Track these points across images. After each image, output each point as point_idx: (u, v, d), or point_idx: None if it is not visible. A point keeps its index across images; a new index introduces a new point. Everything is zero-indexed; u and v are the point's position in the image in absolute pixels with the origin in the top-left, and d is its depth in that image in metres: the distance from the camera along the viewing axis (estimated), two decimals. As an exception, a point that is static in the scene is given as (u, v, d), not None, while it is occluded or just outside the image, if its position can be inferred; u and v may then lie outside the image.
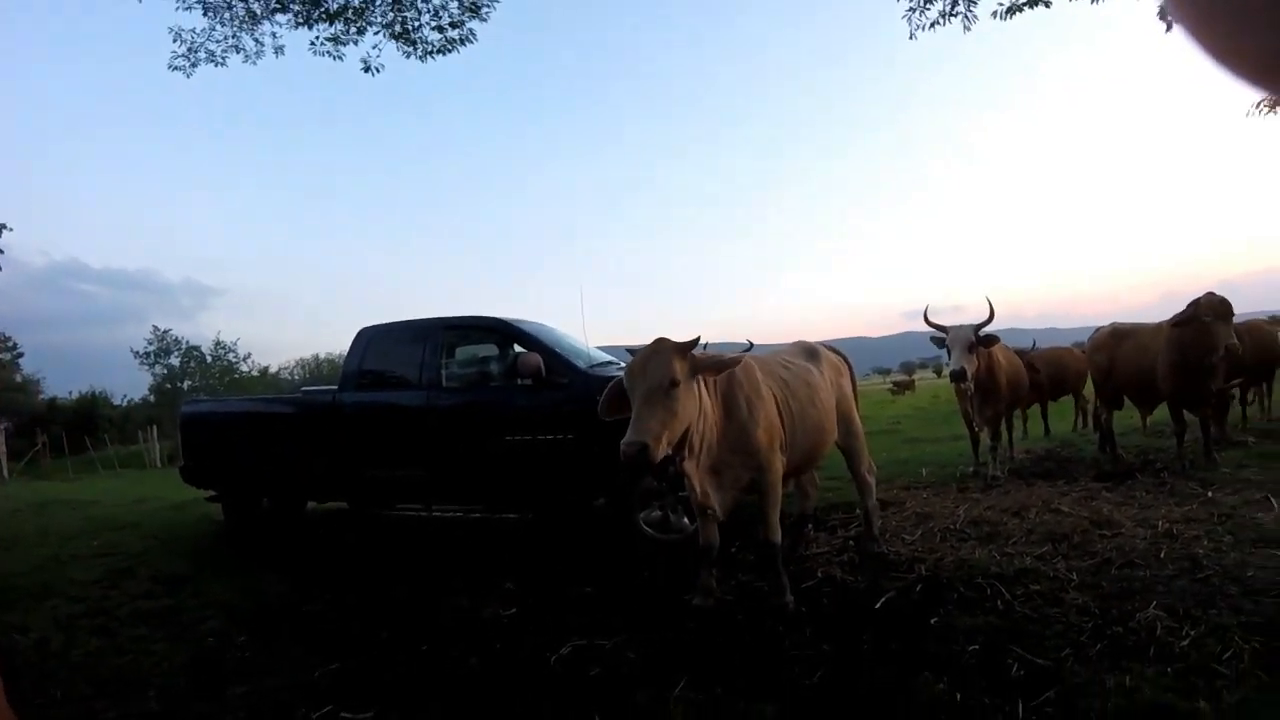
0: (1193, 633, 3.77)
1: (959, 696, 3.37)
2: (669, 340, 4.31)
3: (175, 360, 46.63)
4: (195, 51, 9.36)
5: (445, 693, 3.93)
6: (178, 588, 6.36)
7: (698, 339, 4.43)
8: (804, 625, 4.41)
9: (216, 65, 9.56)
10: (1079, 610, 4.23)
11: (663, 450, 4.07)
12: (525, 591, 5.55)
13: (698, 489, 4.53)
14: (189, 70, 9.46)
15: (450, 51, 9.68)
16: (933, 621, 4.29)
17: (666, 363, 4.15)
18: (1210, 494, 6.58)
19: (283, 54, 9.77)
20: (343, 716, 3.73)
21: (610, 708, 3.61)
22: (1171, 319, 7.87)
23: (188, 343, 47.31)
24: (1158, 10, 9.00)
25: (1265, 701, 3.15)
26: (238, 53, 9.55)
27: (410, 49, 9.62)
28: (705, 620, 4.65)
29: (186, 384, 45.65)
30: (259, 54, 9.67)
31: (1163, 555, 5.03)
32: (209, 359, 47.31)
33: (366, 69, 9.62)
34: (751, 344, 6.08)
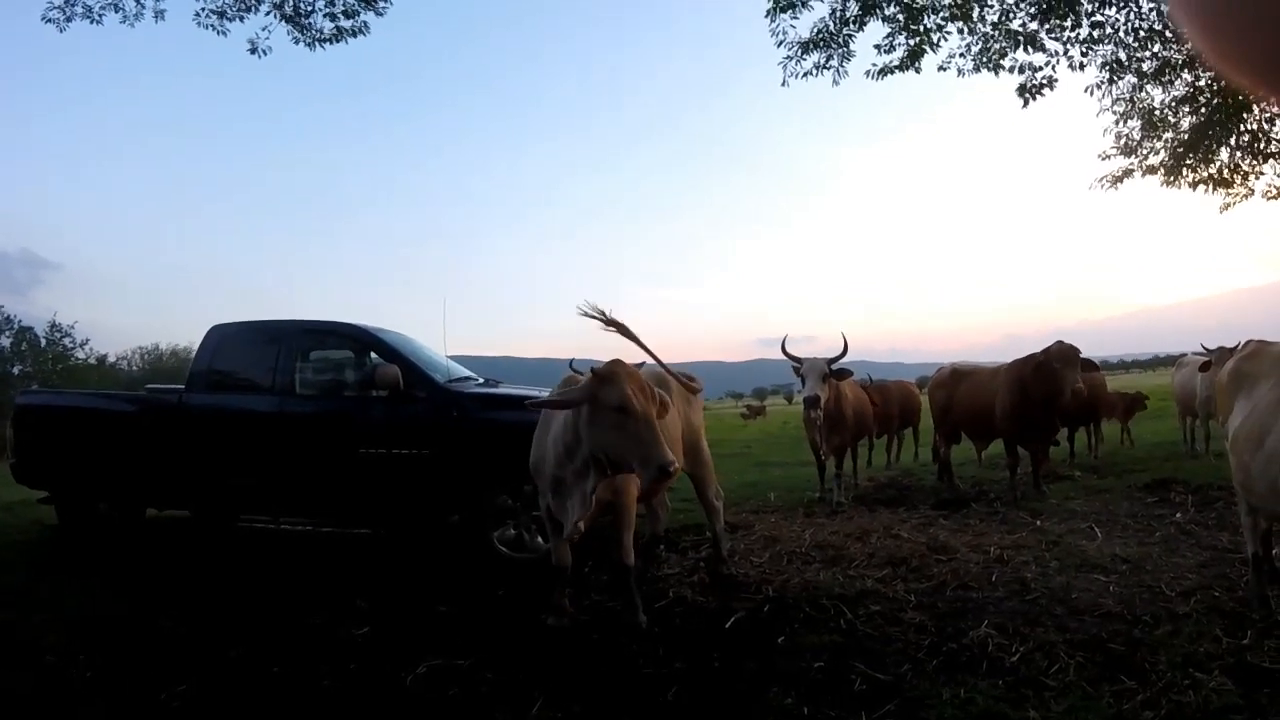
0: (1021, 649, 4.00)
1: (806, 710, 3.49)
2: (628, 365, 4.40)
3: (6, 341, 43.04)
4: (72, 4, 8.84)
5: (298, 715, 3.84)
6: (10, 601, 5.91)
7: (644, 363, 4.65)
8: (657, 644, 4.47)
9: (93, 22, 9.04)
10: (917, 629, 4.42)
11: None
12: (379, 610, 5.43)
13: (568, 509, 4.57)
14: (63, 24, 8.96)
15: (340, 41, 9.41)
16: (780, 640, 4.40)
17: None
18: (1039, 523, 6.95)
19: (163, 19, 9.27)
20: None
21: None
22: (1019, 361, 8.33)
23: (20, 322, 43.78)
24: (1016, 88, 9.54)
25: (1088, 711, 3.35)
26: (116, 12, 9.05)
27: (300, 35, 9.32)
28: (560, 640, 4.66)
29: (17, 369, 42.17)
30: (138, 15, 9.15)
31: (994, 578, 5.29)
32: (43, 342, 43.65)
33: (253, 50, 9.25)
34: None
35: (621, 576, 4.97)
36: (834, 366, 7.96)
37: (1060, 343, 8.01)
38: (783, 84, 9.93)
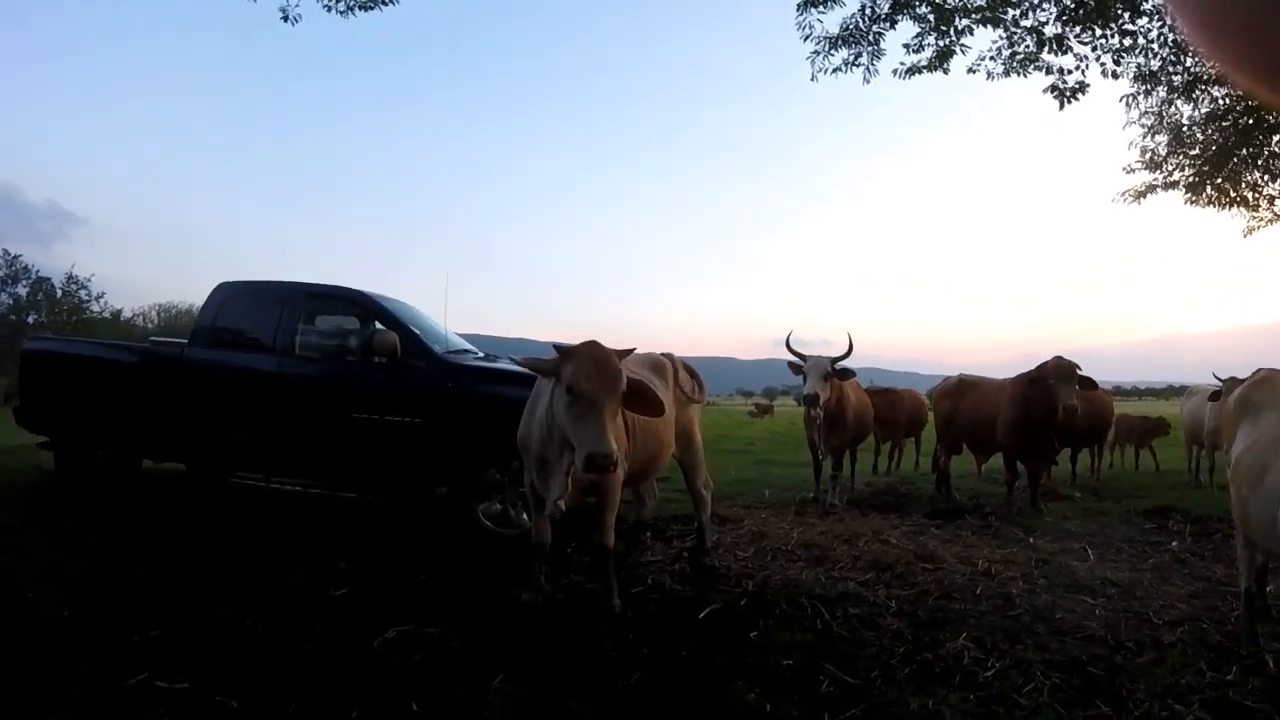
0: (998, 664, 3.91)
1: (769, 707, 3.42)
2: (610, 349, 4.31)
3: (23, 290, 43.42)
4: None
5: (264, 669, 3.78)
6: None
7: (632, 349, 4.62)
8: (628, 629, 4.41)
9: None
10: (893, 635, 4.34)
11: None
12: (359, 573, 5.40)
13: (550, 487, 4.51)
14: None
15: (372, 9, 9.30)
16: (753, 635, 4.34)
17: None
18: (1032, 540, 6.86)
19: None
20: (158, 685, 3.56)
21: (429, 696, 3.53)
22: (1020, 376, 8.24)
23: (38, 272, 44.15)
24: (1048, 87, 9.41)
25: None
26: None
27: (332, 2, 9.20)
28: (531, 616, 4.60)
29: (32, 318, 42.52)
30: None
31: (979, 591, 5.21)
32: (59, 293, 44.06)
33: (285, 18, 9.12)
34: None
35: (600, 558, 4.92)
36: (837, 366, 7.91)
37: (1058, 358, 7.94)
38: (811, 79, 9.84)
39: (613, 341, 4.36)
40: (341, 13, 9.26)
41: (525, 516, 6.46)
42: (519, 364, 4.41)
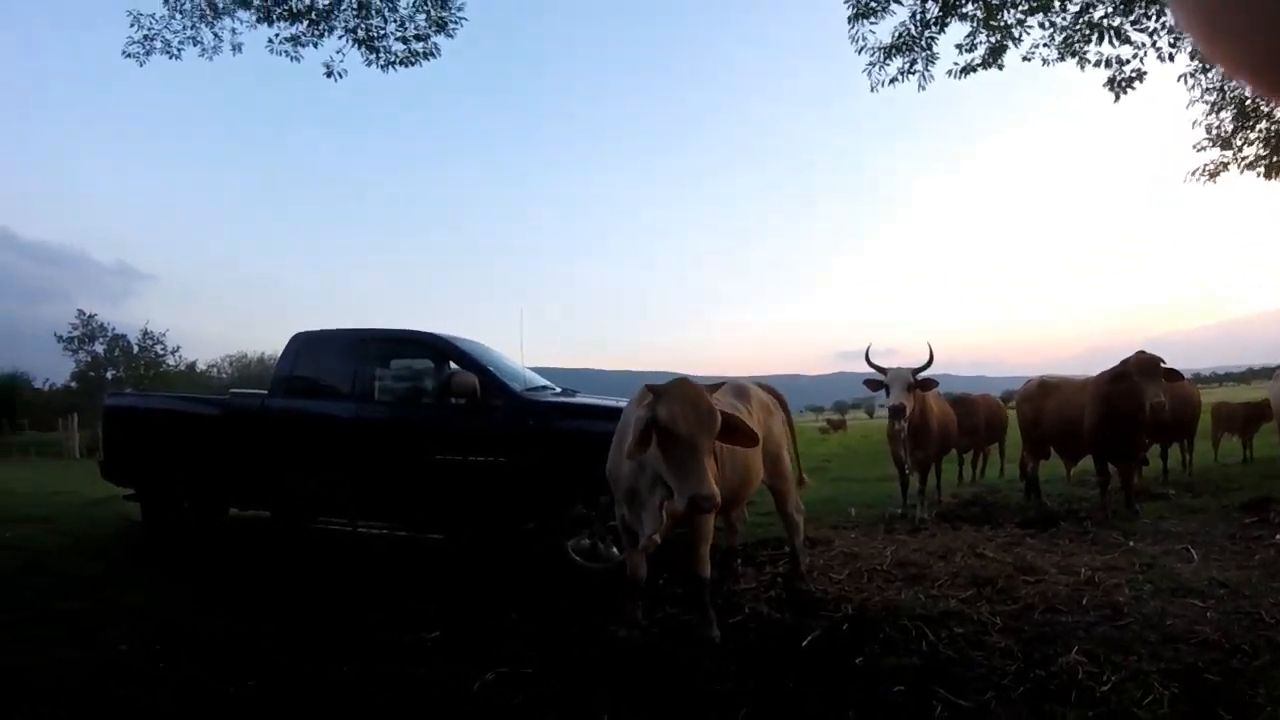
0: (1113, 678, 3.79)
1: (882, 737, 3.36)
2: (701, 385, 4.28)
3: (100, 347, 44.96)
4: (151, 39, 9.17)
5: (362, 715, 3.83)
6: (89, 590, 6.09)
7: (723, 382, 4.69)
8: (729, 661, 4.36)
9: (171, 57, 9.37)
10: (1002, 653, 4.24)
11: None
12: (448, 615, 5.42)
13: (643, 521, 4.48)
14: (143, 58, 9.26)
15: (413, 64, 9.60)
16: (858, 661, 4.26)
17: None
18: (1131, 543, 6.68)
19: (240, 52, 9.61)
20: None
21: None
22: (1103, 374, 8.06)
23: (114, 330, 45.69)
24: (1105, 81, 9.29)
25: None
26: (194, 45, 9.36)
27: (373, 57, 9.50)
28: (630, 652, 4.58)
29: (110, 373, 44.03)
30: (216, 49, 9.48)
31: (1084, 602, 5.06)
32: (135, 349, 45.67)
33: (329, 73, 9.44)
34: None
35: (696, 589, 4.86)
36: (919, 376, 7.81)
37: (1140, 353, 7.75)
38: (871, 90, 9.85)
39: (681, 365, 4.33)
40: (383, 68, 9.54)
41: (615, 550, 6.48)
42: (633, 440, 4.35)
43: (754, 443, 4.49)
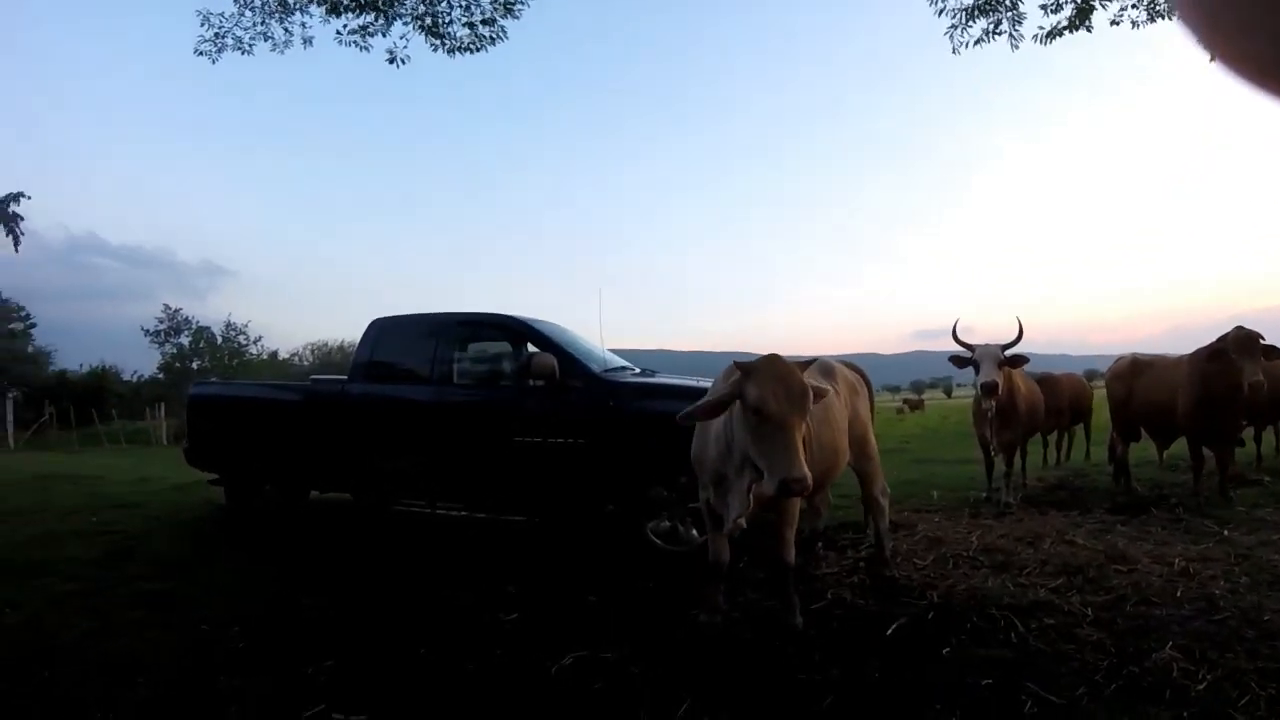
0: (1209, 676, 3.69)
1: (971, 732, 3.31)
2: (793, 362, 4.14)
3: (185, 340, 47.02)
4: (222, 37, 9.30)
5: (442, 697, 3.87)
6: (175, 572, 6.28)
7: (815, 359, 4.51)
8: (813, 649, 4.33)
9: (244, 53, 9.51)
10: (1094, 647, 4.14)
11: None
12: (528, 597, 5.48)
13: (729, 505, 4.40)
14: (215, 56, 9.40)
15: (480, 49, 9.60)
16: (945, 652, 4.21)
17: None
18: (1226, 533, 6.48)
19: (311, 45, 9.72)
20: (334, 717, 3.67)
21: (613, 725, 3.55)
22: (1199, 350, 7.80)
23: (198, 322, 47.79)
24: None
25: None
26: (265, 40, 9.48)
27: (439, 43, 9.52)
28: (712, 638, 4.57)
29: (196, 364, 45.84)
30: (287, 44, 9.59)
31: (1179, 594, 4.93)
32: (219, 340, 47.70)
33: (392, 60, 9.48)
34: None
35: (780, 575, 4.82)
36: (1008, 353, 7.65)
37: (1239, 328, 7.39)
38: (953, 52, 9.62)
39: (754, 345, 4.22)
40: (449, 53, 9.55)
41: (695, 533, 6.45)
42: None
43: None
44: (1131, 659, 3.96)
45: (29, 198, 15.88)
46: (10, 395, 32.43)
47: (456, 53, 9.61)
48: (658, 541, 6.57)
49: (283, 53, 9.71)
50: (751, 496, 4.20)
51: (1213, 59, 0.52)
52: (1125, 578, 5.34)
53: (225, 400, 9.05)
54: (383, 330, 8.08)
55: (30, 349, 44.98)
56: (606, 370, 7.28)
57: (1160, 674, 3.76)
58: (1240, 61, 0.50)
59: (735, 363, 4.17)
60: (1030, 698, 3.59)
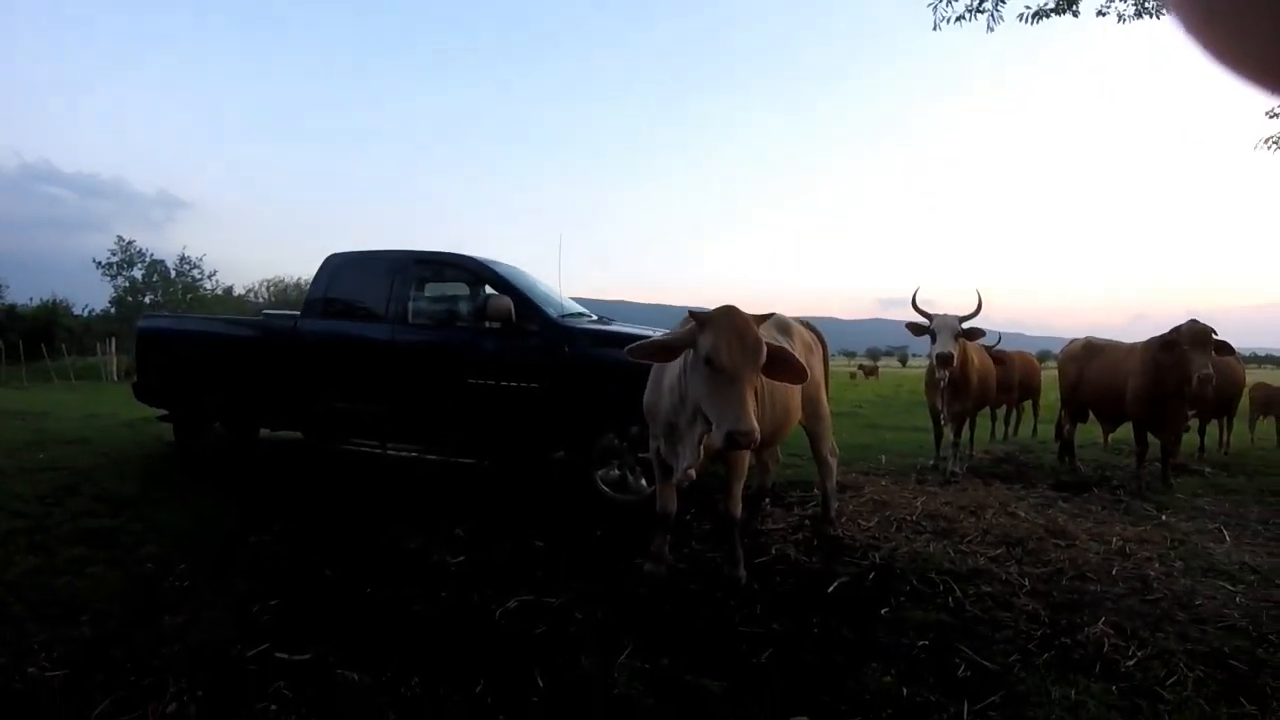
0: (1139, 654, 3.77)
1: (905, 691, 3.36)
2: (749, 315, 4.07)
3: (139, 273, 45.94)
4: None
5: (386, 638, 3.88)
6: (122, 509, 6.20)
7: (771, 314, 4.52)
8: (755, 602, 4.39)
9: None
10: (1029, 617, 4.22)
11: None
12: (475, 540, 5.50)
13: (679, 455, 4.39)
14: None
15: None
16: (884, 612, 4.28)
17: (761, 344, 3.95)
18: (1165, 518, 6.60)
19: None
20: (279, 656, 3.67)
21: (554, 668, 3.57)
22: (1152, 340, 7.90)
23: (152, 255, 46.74)
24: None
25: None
26: None
27: None
28: (656, 587, 4.62)
29: (149, 298, 44.83)
30: None
31: (1114, 572, 5.03)
32: (173, 274, 46.61)
33: None
34: None
35: (726, 527, 4.87)
36: (966, 325, 7.71)
37: (1193, 321, 7.48)
38: (934, 28, 9.57)
39: (714, 301, 4.18)
40: None
41: (644, 483, 6.49)
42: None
43: (803, 378, 4.29)
44: (1065, 631, 4.03)
45: None
46: None
47: None
48: (606, 490, 6.61)
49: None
50: (702, 448, 4.20)
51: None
52: (1063, 552, 5.44)
53: (175, 334, 8.86)
54: (338, 266, 7.95)
55: None
56: (563, 316, 7.25)
57: (1092, 648, 3.83)
58: (1238, 60, 0.50)
59: (691, 312, 4.11)
60: (964, 661, 3.66)
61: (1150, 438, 8.27)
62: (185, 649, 3.73)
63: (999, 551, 5.44)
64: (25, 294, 46.90)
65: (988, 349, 9.43)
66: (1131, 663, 3.68)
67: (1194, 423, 10.11)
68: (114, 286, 45.85)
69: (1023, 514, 6.48)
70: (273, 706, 3.22)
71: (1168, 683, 3.49)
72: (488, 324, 7.00)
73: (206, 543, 5.42)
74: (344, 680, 3.42)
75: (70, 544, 5.31)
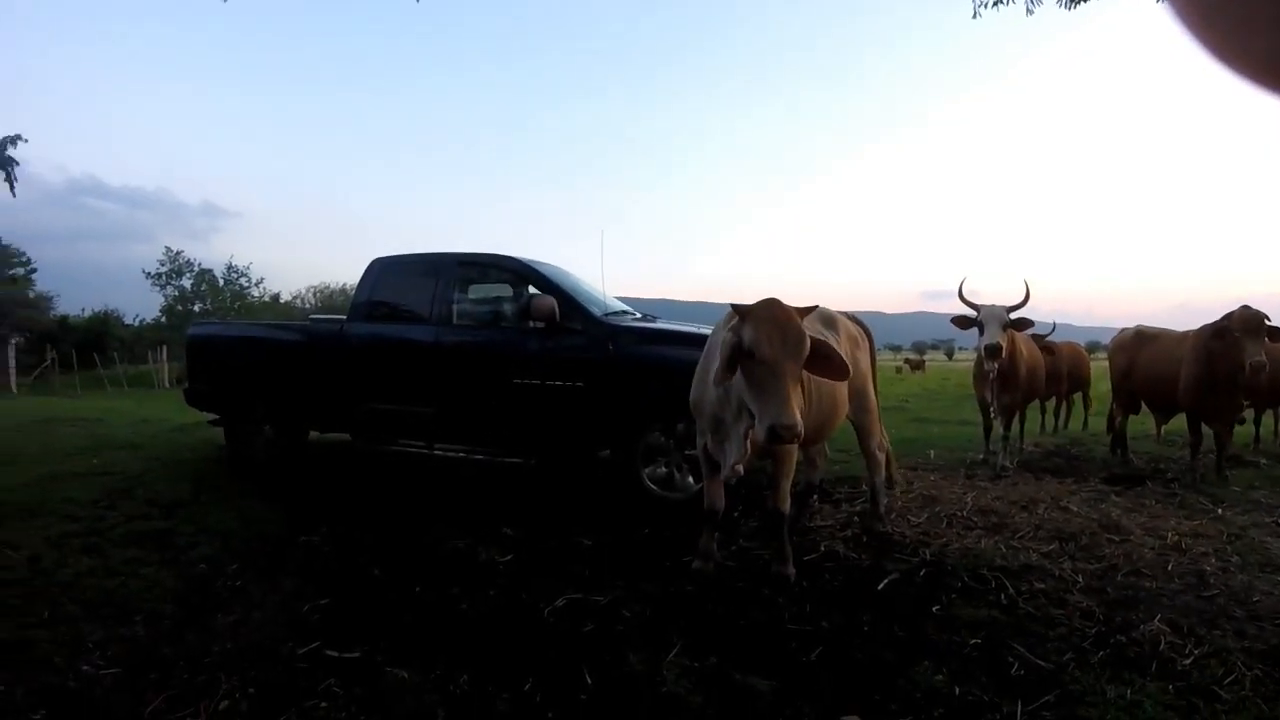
0: (1196, 652, 3.71)
1: (957, 690, 3.33)
2: (792, 307, 4.02)
3: (187, 282, 46.62)
4: None
5: (435, 637, 3.92)
6: (174, 511, 6.34)
7: (815, 307, 4.39)
8: (805, 599, 4.38)
9: None
10: (1083, 614, 4.17)
11: None
12: (523, 539, 5.54)
13: (726, 451, 4.39)
14: None
15: None
16: (935, 609, 4.24)
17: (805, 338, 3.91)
18: (1220, 511, 6.47)
19: None
20: (328, 654, 3.72)
21: (602, 666, 3.59)
22: (1204, 327, 7.73)
23: (200, 265, 47.35)
24: None
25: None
26: None
27: None
28: (704, 585, 4.61)
29: (198, 306, 45.61)
30: None
31: (1170, 568, 4.94)
32: (221, 282, 47.31)
33: None
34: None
35: (774, 524, 4.84)
36: (1014, 315, 7.60)
37: (1244, 307, 7.26)
38: (973, 16, 9.41)
39: (758, 297, 4.13)
40: None
41: (690, 480, 6.49)
42: (721, 362, 4.10)
43: (845, 375, 4.25)
44: (1119, 629, 3.98)
45: (25, 140, 16.01)
46: (12, 340, 32.62)
47: None
48: (653, 487, 6.61)
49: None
50: (749, 443, 4.18)
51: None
52: (1117, 548, 5.35)
53: (224, 340, 9.07)
54: (383, 270, 8.03)
55: (31, 294, 45.11)
56: (607, 314, 7.25)
57: (1148, 646, 3.78)
58: (1239, 59, 0.50)
59: (733, 305, 4.10)
60: (1017, 660, 3.63)
61: (1204, 428, 8.11)
62: (237, 647, 3.81)
63: (1052, 547, 5.36)
64: (75, 304, 48.23)
65: (1040, 338, 9.30)
66: (1188, 661, 3.62)
67: (1249, 413, 9.90)
68: (164, 296, 46.70)
69: (1075, 509, 6.38)
70: (323, 704, 3.27)
71: (1225, 681, 3.44)
72: (532, 324, 7.03)
73: (257, 544, 5.52)
74: (393, 678, 3.46)
75: (124, 546, 5.44)
